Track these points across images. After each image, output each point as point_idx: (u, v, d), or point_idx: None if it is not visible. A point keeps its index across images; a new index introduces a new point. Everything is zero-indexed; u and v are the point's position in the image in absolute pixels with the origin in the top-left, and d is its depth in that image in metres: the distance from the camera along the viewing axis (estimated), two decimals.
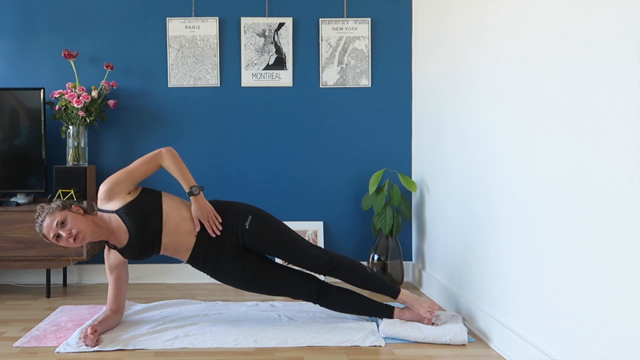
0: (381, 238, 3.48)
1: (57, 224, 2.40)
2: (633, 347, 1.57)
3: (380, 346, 2.42)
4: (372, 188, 3.44)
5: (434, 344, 2.45)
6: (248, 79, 3.69)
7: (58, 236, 2.42)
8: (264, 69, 3.69)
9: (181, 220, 2.56)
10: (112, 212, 2.50)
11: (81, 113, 3.39)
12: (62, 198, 3.25)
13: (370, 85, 3.73)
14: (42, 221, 2.44)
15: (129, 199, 2.51)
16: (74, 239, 2.40)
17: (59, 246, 2.54)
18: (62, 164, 3.54)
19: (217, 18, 3.66)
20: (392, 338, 2.50)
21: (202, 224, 2.56)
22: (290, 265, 2.77)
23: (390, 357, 2.32)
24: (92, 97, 3.43)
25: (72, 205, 2.50)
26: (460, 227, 2.87)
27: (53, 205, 2.48)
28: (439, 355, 2.33)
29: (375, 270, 3.40)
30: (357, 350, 2.38)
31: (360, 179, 3.71)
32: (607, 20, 1.68)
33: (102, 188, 2.52)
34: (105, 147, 3.65)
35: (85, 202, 2.68)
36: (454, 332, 2.46)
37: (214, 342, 2.44)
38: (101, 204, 2.54)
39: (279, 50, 3.69)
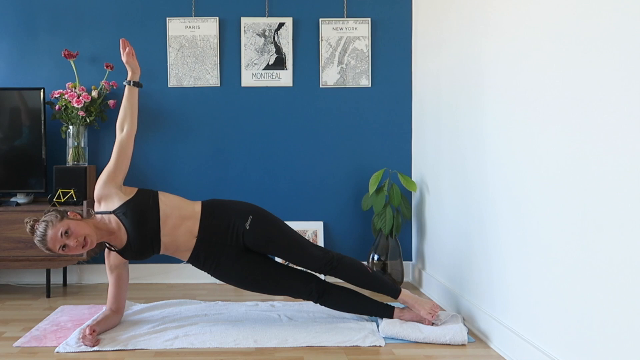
0: (381, 238, 3.47)
1: (61, 235, 2.34)
2: (633, 347, 1.57)
3: (380, 346, 2.42)
4: (372, 188, 3.44)
5: (434, 344, 2.45)
6: (248, 79, 3.69)
7: (64, 246, 2.36)
8: (264, 69, 3.69)
9: (181, 220, 2.56)
10: (110, 212, 2.50)
11: (81, 113, 3.39)
12: (61, 198, 3.25)
13: (370, 85, 3.73)
14: (44, 235, 2.34)
15: (125, 198, 2.51)
16: (83, 245, 2.36)
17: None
18: (62, 164, 3.54)
19: (217, 18, 3.66)
20: (392, 338, 2.50)
21: None
22: (290, 265, 2.77)
23: (390, 357, 2.31)
24: (92, 97, 3.43)
25: (68, 213, 2.44)
26: (460, 227, 2.86)
27: (48, 217, 2.38)
28: (439, 355, 2.33)
29: (375, 270, 3.40)
30: (357, 350, 2.38)
31: (360, 179, 3.71)
32: (607, 19, 1.68)
33: (95, 192, 2.54)
34: (105, 147, 3.64)
35: (82, 209, 2.67)
36: (454, 332, 2.46)
37: (214, 342, 2.44)
38: (98, 206, 2.55)
39: (279, 50, 3.69)
